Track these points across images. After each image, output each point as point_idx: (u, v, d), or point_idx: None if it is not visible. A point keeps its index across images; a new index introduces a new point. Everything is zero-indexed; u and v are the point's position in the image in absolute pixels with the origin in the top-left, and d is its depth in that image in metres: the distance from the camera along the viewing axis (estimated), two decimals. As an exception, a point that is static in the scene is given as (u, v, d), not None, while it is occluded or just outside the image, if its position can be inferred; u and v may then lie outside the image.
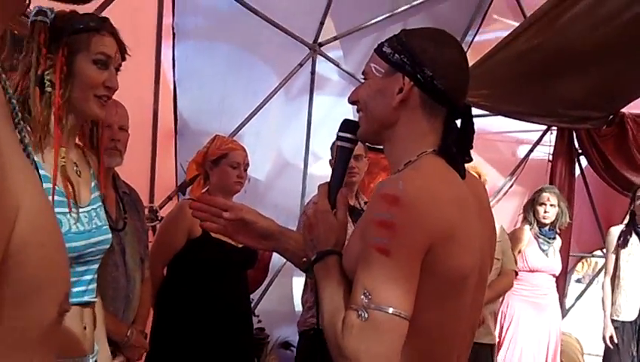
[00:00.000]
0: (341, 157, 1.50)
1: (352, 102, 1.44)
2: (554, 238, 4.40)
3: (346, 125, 1.50)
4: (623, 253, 4.37)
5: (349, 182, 3.44)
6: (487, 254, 1.40)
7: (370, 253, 1.20)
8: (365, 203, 3.54)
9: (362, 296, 1.18)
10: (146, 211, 3.81)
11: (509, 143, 6.38)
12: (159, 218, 3.87)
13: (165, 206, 4.03)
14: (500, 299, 4.22)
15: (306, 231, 1.44)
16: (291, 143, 5.05)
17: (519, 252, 4.31)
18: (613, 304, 4.36)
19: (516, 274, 4.02)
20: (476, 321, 1.44)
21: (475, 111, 5.25)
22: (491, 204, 5.30)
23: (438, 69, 1.33)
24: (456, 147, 1.35)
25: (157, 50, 3.85)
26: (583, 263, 6.79)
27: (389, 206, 1.20)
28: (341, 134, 1.50)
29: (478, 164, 5.14)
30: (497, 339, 4.27)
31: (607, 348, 4.38)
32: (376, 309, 1.17)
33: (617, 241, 4.41)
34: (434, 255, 1.21)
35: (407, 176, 1.27)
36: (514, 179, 6.01)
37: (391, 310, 1.17)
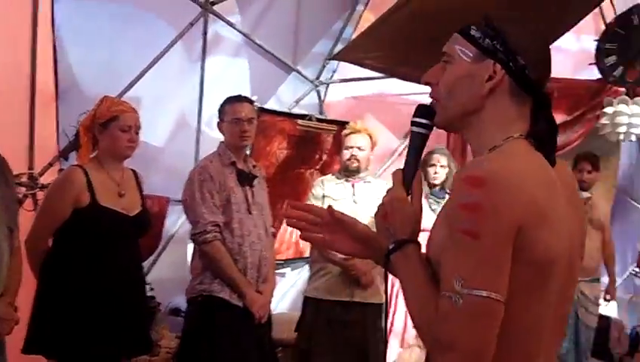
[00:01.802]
0: (415, 143, 1.45)
1: (426, 83, 1.40)
2: (443, 198, 4.62)
3: (422, 110, 1.44)
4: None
5: (240, 146, 3.50)
6: (578, 242, 1.36)
7: (459, 237, 1.19)
8: (254, 166, 3.60)
9: (454, 282, 1.17)
10: (25, 178, 3.72)
11: (406, 106, 6.59)
12: (39, 185, 3.78)
13: (46, 173, 3.93)
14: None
15: (380, 219, 1.41)
16: (184, 105, 5.02)
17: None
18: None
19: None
20: (566, 315, 1.42)
21: (371, 73, 5.42)
22: (386, 165, 5.53)
23: (530, 58, 1.33)
24: (545, 134, 1.34)
25: (34, 7, 3.71)
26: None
27: (473, 188, 1.18)
28: (416, 120, 1.45)
29: (374, 125, 5.33)
30: (390, 298, 4.48)
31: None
32: (470, 294, 1.16)
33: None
34: (523, 237, 1.19)
35: (492, 158, 1.27)
36: (408, 140, 6.19)
37: (485, 293, 1.16)
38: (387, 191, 1.43)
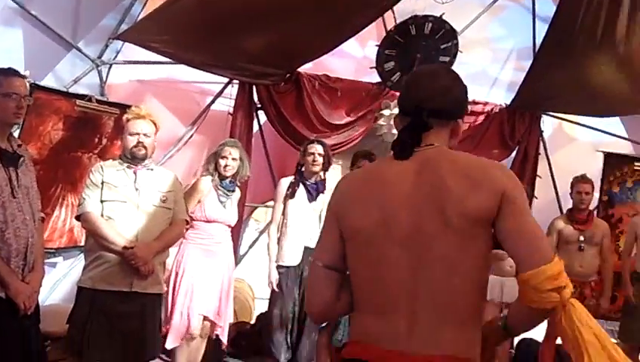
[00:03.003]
0: None
1: None
2: (233, 191, 4.69)
3: None
4: (291, 202, 4.91)
5: (9, 123, 3.26)
6: (404, 211, 1.70)
7: None
8: (19, 145, 3.37)
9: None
10: None
11: (193, 93, 6.59)
12: None
13: None
14: (174, 248, 4.38)
15: None
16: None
17: (199, 202, 4.54)
18: (279, 250, 4.90)
19: (188, 223, 4.23)
20: (422, 269, 1.67)
21: (160, 58, 5.33)
22: (171, 153, 5.48)
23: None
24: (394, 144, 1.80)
25: None
26: (266, 213, 7.39)
27: None
28: None
29: (160, 111, 5.26)
30: (172, 287, 4.47)
31: (272, 291, 4.90)
32: (311, 262, 1.89)
33: (286, 192, 4.94)
34: (339, 219, 1.80)
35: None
36: (195, 128, 6.22)
37: (314, 261, 1.86)
38: None
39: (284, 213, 4.92)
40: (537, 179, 6.88)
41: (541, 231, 1.68)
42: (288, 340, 4.83)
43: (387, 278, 1.69)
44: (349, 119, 6.38)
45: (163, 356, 4.63)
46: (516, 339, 6.56)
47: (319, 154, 4.92)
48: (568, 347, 1.65)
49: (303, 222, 4.89)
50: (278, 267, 4.85)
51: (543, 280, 1.58)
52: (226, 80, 6.20)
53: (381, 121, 6.24)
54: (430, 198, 1.68)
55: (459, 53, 6.19)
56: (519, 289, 1.65)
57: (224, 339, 4.70)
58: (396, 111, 6.05)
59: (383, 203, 1.72)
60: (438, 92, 1.79)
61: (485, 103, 6.77)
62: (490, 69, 7.35)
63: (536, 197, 6.84)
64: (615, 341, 6.33)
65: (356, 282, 1.78)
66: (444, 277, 1.65)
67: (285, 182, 4.98)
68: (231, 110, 6.11)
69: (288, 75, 6.12)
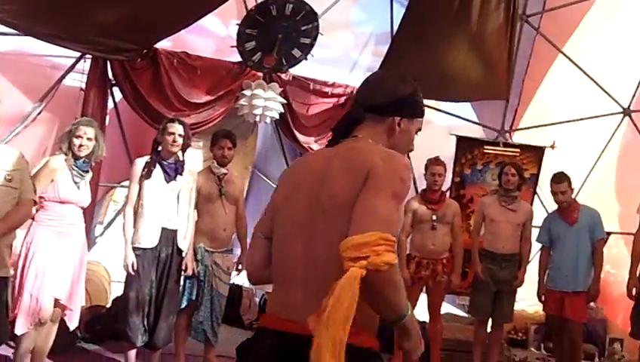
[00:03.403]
0: None
1: None
2: (87, 171, 4.53)
3: None
4: (147, 183, 4.79)
5: None
6: (303, 192, 1.90)
7: None
8: None
9: None
10: None
11: (43, 67, 6.24)
12: None
13: None
14: (22, 230, 4.19)
15: None
16: None
17: (51, 181, 4.34)
18: (135, 232, 4.78)
19: (36, 203, 4.04)
20: (310, 245, 1.84)
21: (5, 29, 4.99)
22: (18, 130, 5.17)
23: None
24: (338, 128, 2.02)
25: None
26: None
27: None
28: None
29: (4, 85, 4.95)
30: (21, 271, 4.25)
31: (128, 274, 4.78)
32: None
33: (142, 172, 4.81)
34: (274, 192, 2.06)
35: None
36: (43, 105, 5.90)
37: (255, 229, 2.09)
38: None
39: (140, 194, 4.81)
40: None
41: (383, 210, 1.71)
42: (145, 323, 4.74)
43: (287, 252, 1.89)
44: (208, 98, 6.32)
45: (11, 342, 4.41)
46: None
47: (179, 135, 4.83)
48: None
49: (159, 203, 4.80)
50: (135, 249, 4.74)
51: (346, 248, 1.63)
52: (78, 54, 5.93)
53: (242, 101, 6.24)
54: (319, 181, 1.86)
55: (320, 35, 6.28)
56: None
57: (74, 323, 4.55)
58: (258, 91, 6.16)
59: (294, 183, 1.97)
60: (378, 90, 2.01)
61: (346, 86, 6.94)
62: (352, 52, 7.54)
63: (393, 178, 7.14)
64: (466, 315, 6.81)
65: (273, 255, 1.97)
66: (324, 252, 1.78)
67: (141, 162, 4.85)
68: (83, 86, 5.86)
69: (145, 51, 5.96)
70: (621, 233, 6.98)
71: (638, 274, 5.33)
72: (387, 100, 1.98)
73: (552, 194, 5.71)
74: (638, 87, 7.23)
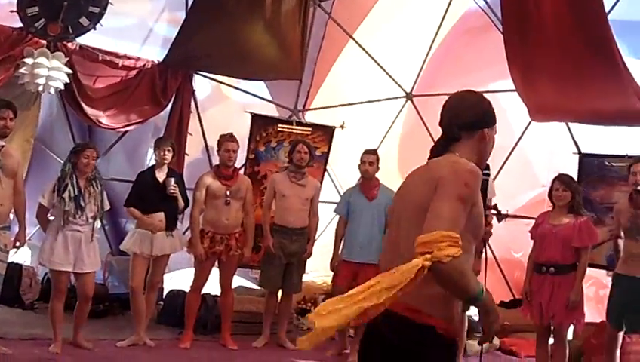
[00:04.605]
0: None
1: None
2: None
3: None
4: None
5: None
6: (404, 198, 2.33)
7: None
8: None
9: None
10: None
11: None
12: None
13: None
14: None
15: None
16: None
17: None
18: None
19: None
20: (401, 242, 2.22)
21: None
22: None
23: None
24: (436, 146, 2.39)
25: None
26: None
27: None
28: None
29: None
30: None
31: None
32: None
33: None
34: None
35: None
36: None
37: None
38: None
39: None
40: (189, 136, 7.23)
41: (448, 212, 2.07)
42: None
43: (386, 249, 2.51)
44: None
45: None
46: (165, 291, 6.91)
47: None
48: None
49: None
50: None
51: (417, 245, 1.99)
52: None
53: (23, 70, 5.90)
54: (408, 191, 2.32)
55: (110, 4, 6.11)
56: None
57: None
58: (41, 60, 5.86)
59: (399, 192, 2.43)
60: (465, 109, 2.36)
61: (137, 58, 6.84)
62: (148, 20, 7.38)
63: (187, 154, 7.20)
64: (258, 287, 7.06)
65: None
66: (407, 250, 2.09)
67: None
68: None
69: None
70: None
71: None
72: (476, 116, 2.35)
73: (360, 163, 6.07)
74: (419, 73, 7.89)
